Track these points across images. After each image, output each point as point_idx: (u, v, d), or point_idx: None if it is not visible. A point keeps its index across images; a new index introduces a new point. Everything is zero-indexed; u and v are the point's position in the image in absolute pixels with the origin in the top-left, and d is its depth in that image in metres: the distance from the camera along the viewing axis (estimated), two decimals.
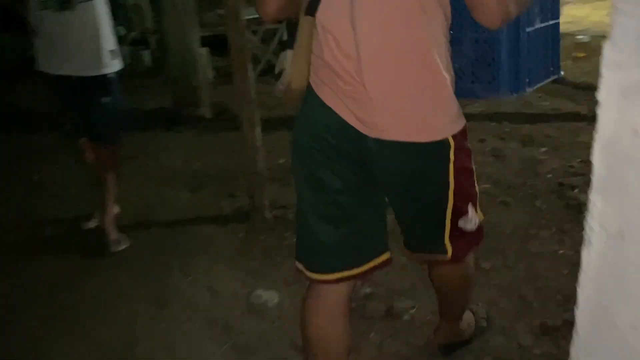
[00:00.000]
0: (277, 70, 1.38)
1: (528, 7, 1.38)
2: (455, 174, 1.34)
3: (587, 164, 1.26)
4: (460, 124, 1.33)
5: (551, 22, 3.01)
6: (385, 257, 1.42)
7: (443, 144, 1.31)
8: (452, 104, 1.31)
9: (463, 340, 1.80)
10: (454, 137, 1.31)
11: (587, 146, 1.01)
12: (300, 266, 1.41)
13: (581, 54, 5.26)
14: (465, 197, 1.39)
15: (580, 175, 2.92)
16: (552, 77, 3.03)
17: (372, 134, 1.27)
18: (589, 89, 3.92)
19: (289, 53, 1.34)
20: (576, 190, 2.75)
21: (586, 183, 1.31)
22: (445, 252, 1.40)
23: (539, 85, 3.05)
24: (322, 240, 1.35)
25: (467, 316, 1.81)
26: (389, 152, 1.29)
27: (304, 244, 1.42)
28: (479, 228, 1.45)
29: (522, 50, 2.61)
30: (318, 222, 1.35)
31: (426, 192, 1.38)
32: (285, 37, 1.14)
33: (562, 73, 3.53)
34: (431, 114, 1.29)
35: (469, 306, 1.81)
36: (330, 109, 1.28)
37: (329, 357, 1.41)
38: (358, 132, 1.28)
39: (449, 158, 1.32)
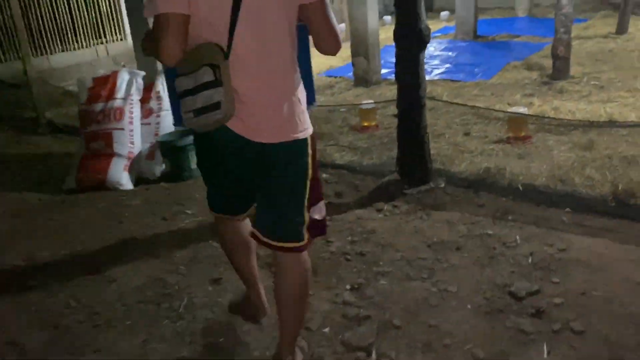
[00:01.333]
0: (201, 105, 1.63)
1: None
2: (313, 166, 1.80)
3: None
4: (310, 125, 1.80)
5: None
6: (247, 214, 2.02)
7: (306, 141, 1.77)
8: (305, 111, 1.79)
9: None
10: (311, 136, 1.79)
11: None
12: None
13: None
14: (317, 188, 1.86)
15: None
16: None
17: (255, 138, 1.71)
18: None
19: (220, 90, 1.61)
20: None
21: None
22: (303, 238, 1.83)
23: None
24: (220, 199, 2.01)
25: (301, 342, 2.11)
26: (267, 150, 1.73)
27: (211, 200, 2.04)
28: (324, 220, 1.94)
29: None
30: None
31: (292, 180, 1.79)
32: (205, 80, 1.50)
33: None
34: (297, 117, 1.74)
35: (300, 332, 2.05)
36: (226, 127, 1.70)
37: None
38: (244, 138, 1.71)
39: (309, 153, 1.79)
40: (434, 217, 3.15)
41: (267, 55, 1.68)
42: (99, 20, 9.05)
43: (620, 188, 3.14)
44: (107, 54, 9.22)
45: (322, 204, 1.92)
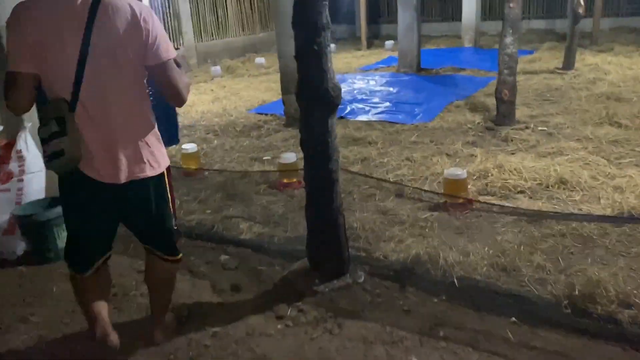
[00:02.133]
0: (51, 152, 1.89)
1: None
2: (169, 193, 2.18)
3: None
4: (167, 160, 2.13)
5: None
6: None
7: (162, 174, 2.10)
8: (162, 147, 2.11)
9: (173, 328, 2.45)
10: (166, 169, 2.14)
11: None
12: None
13: None
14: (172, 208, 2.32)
15: None
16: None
17: (107, 180, 1.97)
18: None
19: (64, 139, 1.86)
20: None
21: None
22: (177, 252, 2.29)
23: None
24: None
25: (169, 315, 2.48)
26: (123, 190, 1.99)
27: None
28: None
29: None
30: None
31: (157, 207, 2.12)
32: (53, 130, 1.86)
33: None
34: (146, 158, 2.02)
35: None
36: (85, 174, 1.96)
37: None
38: (100, 182, 1.97)
39: (165, 182, 2.13)
40: (346, 331, 2.44)
41: (110, 108, 1.92)
42: None
43: (576, 290, 2.52)
44: None
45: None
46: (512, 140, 4.94)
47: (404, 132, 5.59)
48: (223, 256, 3.21)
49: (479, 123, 5.62)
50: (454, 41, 12.69)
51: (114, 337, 2.22)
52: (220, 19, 12.52)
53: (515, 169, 4.03)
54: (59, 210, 3.22)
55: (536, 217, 3.39)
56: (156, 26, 1.91)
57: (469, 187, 3.84)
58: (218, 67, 10.17)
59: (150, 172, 2.04)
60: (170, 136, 2.36)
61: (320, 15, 2.44)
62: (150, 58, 1.92)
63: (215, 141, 5.80)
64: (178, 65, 2.00)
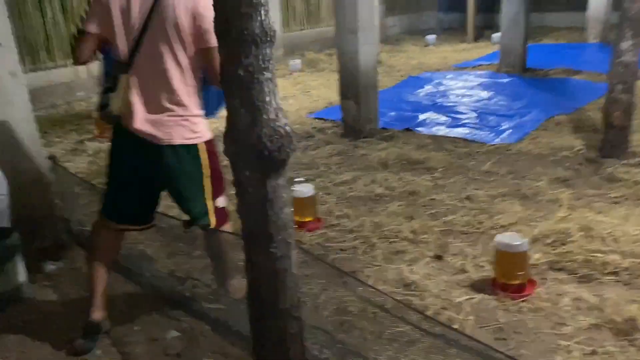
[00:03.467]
0: (102, 103, 2.23)
1: None
2: (209, 166, 2.29)
3: None
4: (206, 135, 2.28)
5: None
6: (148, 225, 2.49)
7: (195, 146, 2.24)
8: (199, 122, 2.27)
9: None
10: (205, 142, 2.26)
11: None
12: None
13: None
14: (218, 186, 2.33)
15: None
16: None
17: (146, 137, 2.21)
18: None
19: (113, 95, 2.19)
20: None
21: None
22: (211, 220, 2.34)
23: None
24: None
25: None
26: (161, 152, 2.21)
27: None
28: (226, 213, 2.39)
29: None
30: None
31: (189, 178, 2.28)
32: (108, 85, 2.16)
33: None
34: (184, 127, 2.21)
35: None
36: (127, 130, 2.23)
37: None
38: (139, 140, 2.21)
39: (200, 155, 2.25)
40: None
41: (158, 77, 2.18)
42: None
43: None
44: (89, 73, 8.12)
45: (223, 198, 2.38)
46: (618, 182, 3.63)
47: (478, 156, 4.44)
48: (172, 332, 2.44)
49: (579, 150, 4.31)
50: (579, 35, 10.84)
51: (96, 316, 2.41)
52: (311, 7, 11.77)
53: (610, 234, 2.82)
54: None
55: (630, 323, 2.22)
56: (207, 15, 2.03)
57: (536, 256, 2.72)
58: (298, 61, 9.42)
59: (186, 141, 2.22)
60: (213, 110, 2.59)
61: (250, 21, 1.54)
62: (199, 42, 2.16)
63: None
64: None
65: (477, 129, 5.17)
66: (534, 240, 2.90)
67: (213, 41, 1.89)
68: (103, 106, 2.21)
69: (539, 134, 4.86)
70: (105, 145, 4.52)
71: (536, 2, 14.43)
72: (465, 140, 4.90)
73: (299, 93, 7.69)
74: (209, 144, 2.29)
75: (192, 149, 2.24)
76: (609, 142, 3.94)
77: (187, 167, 2.25)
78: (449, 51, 10.53)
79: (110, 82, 2.20)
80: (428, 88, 7.16)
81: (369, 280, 2.70)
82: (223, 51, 1.58)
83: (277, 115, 1.62)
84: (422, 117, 5.68)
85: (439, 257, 2.91)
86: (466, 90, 6.83)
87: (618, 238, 2.77)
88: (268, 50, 1.59)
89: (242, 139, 1.62)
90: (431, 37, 11.55)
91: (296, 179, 4.25)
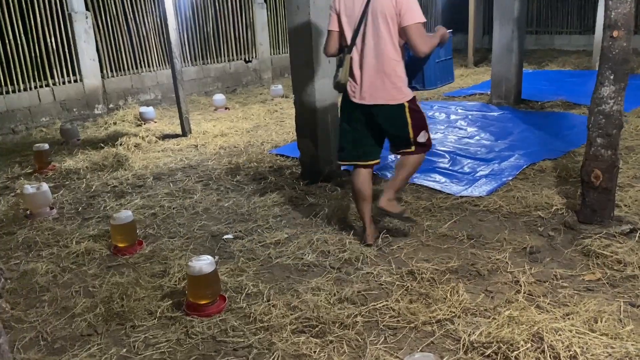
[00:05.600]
0: (335, 76, 3.20)
1: (434, 48, 3.08)
2: (410, 117, 3.12)
3: None
4: (409, 96, 3.11)
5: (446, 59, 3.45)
6: (377, 160, 3.35)
7: (402, 105, 3.09)
8: (402, 87, 3.09)
9: (396, 213, 3.29)
10: (408, 101, 3.11)
11: None
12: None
13: None
14: (418, 127, 3.15)
15: None
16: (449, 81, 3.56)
17: (367, 102, 3.12)
18: None
19: (340, 69, 3.13)
20: None
21: None
22: (413, 148, 3.21)
23: (444, 84, 3.53)
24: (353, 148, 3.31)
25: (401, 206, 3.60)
26: (378, 110, 3.11)
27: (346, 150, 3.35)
28: (428, 141, 3.24)
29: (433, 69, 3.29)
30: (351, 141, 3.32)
31: (399, 126, 3.15)
32: (338, 63, 3.15)
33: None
34: (393, 91, 3.07)
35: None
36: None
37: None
38: (356, 102, 3.15)
39: (405, 112, 3.10)
40: None
41: (371, 54, 3.03)
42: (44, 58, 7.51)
43: None
44: (54, 98, 7.66)
45: (423, 133, 3.18)
46: (596, 258, 2.96)
47: (439, 212, 3.80)
48: None
49: (558, 210, 3.64)
50: (589, 61, 10.15)
51: (369, 233, 3.37)
52: None
53: (568, 349, 2.15)
54: None
55: None
56: (404, 3, 2.92)
57: None
58: (279, 87, 8.88)
59: (389, 102, 3.09)
60: (423, 82, 3.27)
61: None
62: (401, 22, 2.95)
63: (196, 196, 4.48)
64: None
65: (447, 175, 4.53)
66: (469, 349, 2.26)
67: (410, 21, 2.91)
68: (335, 78, 3.19)
69: (515, 185, 4.19)
70: (35, 190, 4.03)
71: (546, 23, 13.81)
72: (430, 189, 4.26)
73: (273, 122, 7.13)
74: (411, 102, 3.14)
75: (400, 106, 3.11)
76: (588, 206, 3.27)
77: (397, 118, 3.14)
78: None
79: (339, 60, 3.19)
80: None
81: None
82: None
83: None
84: (390, 157, 5.06)
85: None
86: (448, 125, 6.19)
87: (578, 357, 2.10)
88: None
89: None
90: None
91: (225, 236, 3.67)
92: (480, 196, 4.03)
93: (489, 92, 7.35)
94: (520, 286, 2.73)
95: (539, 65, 10.45)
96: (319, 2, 4.34)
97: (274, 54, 10.73)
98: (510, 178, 4.33)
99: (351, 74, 3.13)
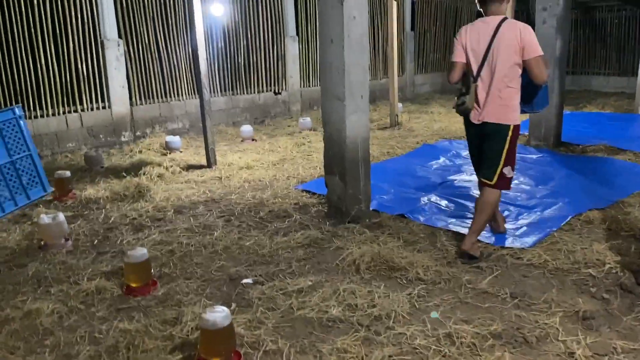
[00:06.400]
0: (459, 103, 3.59)
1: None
2: (509, 144, 3.49)
3: None
4: (517, 122, 3.50)
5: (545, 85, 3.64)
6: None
7: (508, 126, 3.46)
8: (514, 112, 3.49)
9: (473, 256, 3.55)
10: (513, 126, 3.47)
11: None
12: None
13: None
14: (509, 159, 3.52)
15: None
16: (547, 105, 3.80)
17: (483, 119, 3.53)
18: None
19: (467, 97, 3.53)
20: None
21: None
22: (494, 180, 3.54)
23: (545, 107, 3.80)
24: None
25: (478, 244, 3.70)
26: (488, 128, 3.51)
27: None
28: (510, 179, 3.59)
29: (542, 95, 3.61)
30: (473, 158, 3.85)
31: (495, 149, 3.52)
32: (463, 91, 3.58)
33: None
34: (505, 114, 3.45)
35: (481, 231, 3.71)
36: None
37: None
38: (482, 124, 3.56)
39: (509, 134, 3.47)
40: None
41: (493, 82, 3.44)
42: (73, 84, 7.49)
43: None
44: (82, 124, 7.62)
45: (509, 169, 3.54)
46: None
47: (477, 264, 3.48)
48: None
49: (611, 269, 3.29)
50: (628, 104, 9.77)
51: (503, 228, 4.00)
52: None
53: None
54: None
55: None
56: (527, 38, 3.33)
57: None
58: (308, 119, 8.71)
59: (499, 121, 3.47)
60: (532, 106, 3.64)
61: None
62: (523, 55, 3.35)
63: (217, 232, 4.25)
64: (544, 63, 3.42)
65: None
66: None
67: (532, 54, 3.32)
68: (459, 104, 3.58)
69: (561, 237, 3.85)
70: (50, 220, 3.86)
71: (583, 64, 13.47)
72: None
73: (300, 156, 6.92)
74: (516, 128, 3.50)
75: (505, 127, 3.48)
76: None
77: (498, 138, 3.50)
78: None
79: (464, 88, 3.59)
80: (442, 160, 6.26)
81: None
82: None
83: None
84: (423, 200, 4.77)
85: None
86: None
87: None
88: None
89: None
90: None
91: (244, 280, 3.41)
92: (523, 248, 3.70)
93: (527, 133, 7.02)
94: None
95: (577, 107, 10.09)
96: (354, 36, 4.15)
97: (303, 86, 10.62)
98: (554, 229, 3.99)
99: (475, 100, 3.52)
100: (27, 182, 5.16)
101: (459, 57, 3.54)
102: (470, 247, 3.53)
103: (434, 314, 2.87)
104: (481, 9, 3.56)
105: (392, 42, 8.45)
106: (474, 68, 3.48)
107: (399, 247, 3.74)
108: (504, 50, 3.35)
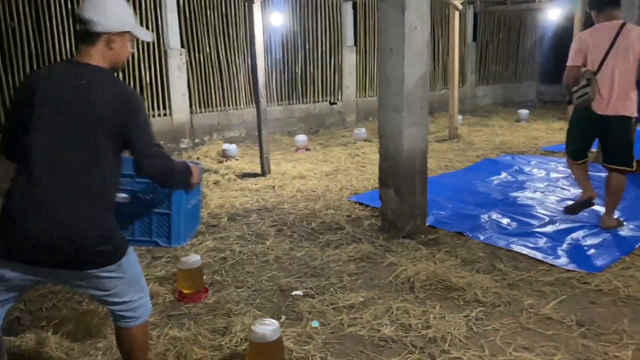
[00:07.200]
0: (581, 94, 3.95)
1: None
2: (633, 132, 3.97)
3: None
4: (635, 114, 3.92)
5: None
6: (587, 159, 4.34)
7: (631, 118, 3.91)
8: (635, 106, 3.93)
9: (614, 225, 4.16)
10: (634, 118, 3.93)
11: None
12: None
13: None
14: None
15: None
16: None
17: (603, 112, 3.95)
18: None
19: (589, 88, 3.88)
20: None
21: None
22: (632, 166, 4.02)
23: None
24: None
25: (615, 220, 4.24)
26: (614, 120, 3.93)
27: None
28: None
29: None
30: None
31: (623, 141, 3.98)
32: (584, 84, 3.92)
33: None
34: (627, 106, 3.89)
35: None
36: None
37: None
38: (597, 113, 3.97)
39: (631, 125, 3.93)
40: None
41: (619, 77, 3.83)
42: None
43: None
44: None
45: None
46: None
47: (540, 288, 3.28)
48: None
49: None
50: None
51: (593, 195, 4.33)
52: None
53: None
54: None
55: None
56: None
57: None
58: (363, 130, 8.63)
59: (626, 113, 3.89)
60: None
61: None
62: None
63: (268, 242, 4.22)
64: None
65: (549, 243, 3.98)
66: None
67: None
68: (580, 96, 3.93)
69: (633, 262, 3.58)
70: None
71: None
72: (530, 258, 3.73)
73: (353, 167, 6.84)
74: (635, 119, 3.89)
75: (627, 119, 3.89)
76: None
77: (623, 129, 3.91)
78: (542, 129, 9.28)
79: (585, 81, 3.90)
80: (504, 176, 6.03)
81: None
82: None
83: None
84: (483, 217, 4.58)
85: None
86: (549, 183, 5.62)
87: None
88: None
89: None
90: (524, 112, 10.32)
91: (294, 292, 3.35)
92: (591, 271, 3.46)
93: (594, 150, 6.65)
94: None
95: None
96: (414, 46, 4.04)
97: (359, 97, 10.56)
98: (627, 252, 3.72)
99: (598, 92, 3.88)
100: None
101: (577, 60, 4.00)
102: (613, 223, 4.17)
103: (315, 323, 2.91)
104: (596, 17, 4.01)
105: (453, 52, 8.27)
106: (595, 64, 3.91)
107: (456, 266, 3.59)
108: (628, 48, 3.81)
